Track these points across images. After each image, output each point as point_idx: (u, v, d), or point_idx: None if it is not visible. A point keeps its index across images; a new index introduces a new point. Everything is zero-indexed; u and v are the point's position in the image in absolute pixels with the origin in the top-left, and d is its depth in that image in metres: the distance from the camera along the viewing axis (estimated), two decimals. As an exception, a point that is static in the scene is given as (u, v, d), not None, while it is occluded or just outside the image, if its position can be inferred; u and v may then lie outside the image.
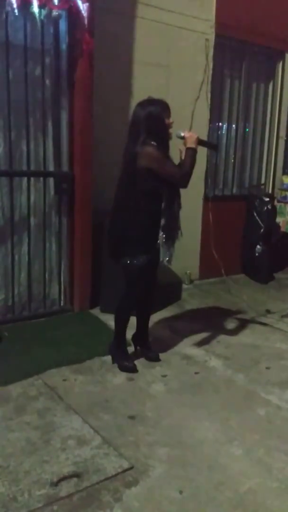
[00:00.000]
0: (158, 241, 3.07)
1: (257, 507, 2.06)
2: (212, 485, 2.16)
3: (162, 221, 3.03)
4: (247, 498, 2.10)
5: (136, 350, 3.44)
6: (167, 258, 3.12)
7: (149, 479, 2.18)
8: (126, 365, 3.19)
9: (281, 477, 2.24)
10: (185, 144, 3.02)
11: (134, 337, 3.49)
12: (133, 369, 3.18)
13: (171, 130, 2.99)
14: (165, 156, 2.92)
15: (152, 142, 2.88)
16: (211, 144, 3.08)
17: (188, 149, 3.00)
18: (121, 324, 3.22)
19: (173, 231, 3.09)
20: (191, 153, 3.00)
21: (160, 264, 3.23)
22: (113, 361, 3.25)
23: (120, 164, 3.02)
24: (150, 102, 2.95)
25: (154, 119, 2.91)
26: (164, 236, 3.06)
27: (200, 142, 3.08)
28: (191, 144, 2.99)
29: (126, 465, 2.25)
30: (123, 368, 3.18)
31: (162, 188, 2.97)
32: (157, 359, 3.34)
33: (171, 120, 2.99)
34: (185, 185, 2.99)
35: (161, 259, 3.12)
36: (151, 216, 3.00)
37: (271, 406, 2.84)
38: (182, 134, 3.02)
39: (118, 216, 3.06)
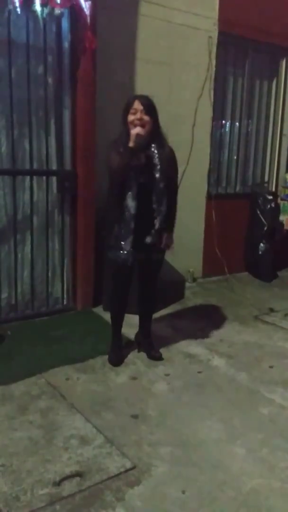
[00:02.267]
0: (147, 241, 3.05)
1: (260, 506, 2.05)
2: (215, 485, 2.16)
3: (119, 216, 3.02)
4: (250, 497, 2.10)
5: (140, 348, 3.43)
6: (123, 254, 3.05)
7: (151, 479, 2.18)
8: (109, 358, 3.27)
9: (284, 476, 2.24)
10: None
11: (137, 336, 3.49)
12: (113, 363, 3.23)
13: (132, 130, 2.90)
14: (115, 150, 2.91)
15: (119, 137, 2.94)
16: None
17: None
18: (111, 319, 3.35)
19: (124, 228, 3.00)
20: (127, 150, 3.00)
21: (162, 264, 3.24)
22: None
23: None
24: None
25: (121, 118, 2.96)
26: (121, 231, 3.03)
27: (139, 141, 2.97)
28: (131, 143, 2.91)
29: (128, 464, 2.25)
30: (108, 359, 3.26)
31: (115, 183, 2.97)
32: (160, 358, 3.34)
33: (137, 116, 2.90)
34: (114, 180, 2.98)
35: (120, 255, 3.07)
36: (112, 211, 3.02)
37: (274, 405, 2.84)
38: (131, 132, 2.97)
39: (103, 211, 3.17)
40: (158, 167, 2.97)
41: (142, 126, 2.89)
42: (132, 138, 2.88)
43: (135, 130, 2.88)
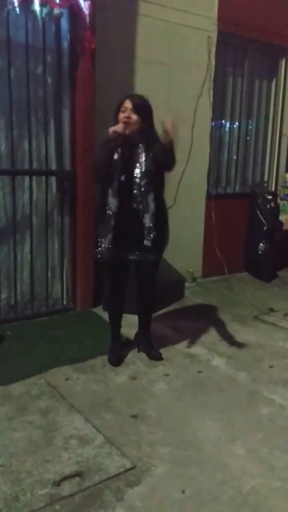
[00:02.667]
0: (146, 243, 3.02)
1: (260, 506, 2.05)
2: (214, 485, 2.16)
3: (100, 214, 3.05)
4: (249, 497, 2.10)
5: (140, 348, 3.43)
6: (101, 253, 3.07)
7: (151, 479, 2.18)
8: (109, 357, 3.27)
9: (284, 476, 2.23)
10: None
11: (137, 336, 3.49)
12: (112, 363, 3.23)
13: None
14: (104, 145, 2.91)
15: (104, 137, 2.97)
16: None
17: None
18: (109, 318, 3.38)
19: (104, 226, 3.01)
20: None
21: (161, 264, 3.23)
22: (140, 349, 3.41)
23: None
24: None
25: (113, 114, 2.99)
26: (99, 229, 3.06)
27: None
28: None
29: (128, 464, 2.25)
30: (107, 359, 3.26)
31: (100, 181, 3.02)
32: (159, 358, 3.34)
33: (126, 114, 2.91)
34: (95, 175, 3.08)
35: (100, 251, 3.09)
36: (99, 207, 3.06)
37: (274, 405, 2.83)
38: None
39: None
40: (138, 164, 2.94)
41: (127, 124, 2.90)
42: (110, 133, 2.89)
43: (112, 128, 2.90)
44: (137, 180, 2.95)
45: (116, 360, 3.25)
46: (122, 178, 2.95)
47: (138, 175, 2.95)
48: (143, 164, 2.95)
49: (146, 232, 2.98)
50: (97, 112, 3.90)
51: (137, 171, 2.95)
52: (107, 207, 2.97)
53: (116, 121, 2.96)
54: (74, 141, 3.92)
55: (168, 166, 3.02)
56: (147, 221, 2.98)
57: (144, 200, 2.96)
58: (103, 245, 3.01)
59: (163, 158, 2.94)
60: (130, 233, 3.01)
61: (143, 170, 2.95)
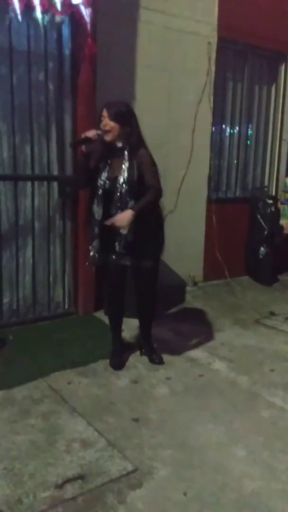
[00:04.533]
0: (118, 248, 3.02)
1: (261, 508, 2.06)
2: (216, 487, 2.17)
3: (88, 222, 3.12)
4: (251, 499, 2.11)
5: (142, 352, 3.45)
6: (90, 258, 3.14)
7: (153, 481, 2.19)
8: (110, 361, 3.29)
9: (285, 478, 2.25)
10: None
11: (138, 339, 3.50)
12: (114, 366, 3.24)
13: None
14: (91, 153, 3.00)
15: None
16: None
17: None
18: (109, 322, 3.41)
19: (89, 233, 3.10)
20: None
21: (162, 267, 3.25)
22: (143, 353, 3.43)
23: None
24: None
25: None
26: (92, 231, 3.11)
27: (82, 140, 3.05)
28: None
29: (130, 467, 2.26)
30: (109, 363, 3.29)
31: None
32: (161, 363, 3.35)
33: (103, 123, 2.98)
34: (77, 172, 3.14)
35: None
36: (88, 214, 3.12)
37: (275, 408, 2.85)
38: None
39: None
40: (122, 170, 2.97)
41: (106, 131, 2.96)
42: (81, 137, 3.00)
43: (84, 133, 2.99)
44: (119, 186, 2.97)
45: (118, 364, 3.26)
46: (107, 186, 2.99)
47: (120, 181, 2.97)
48: (126, 170, 2.97)
49: (118, 238, 2.97)
50: (98, 118, 3.93)
51: (120, 177, 2.97)
52: (92, 215, 3.04)
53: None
54: (76, 146, 3.94)
55: (156, 201, 3.04)
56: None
57: (124, 206, 2.94)
58: (91, 252, 3.09)
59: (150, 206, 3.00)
60: (114, 239, 3.02)
61: (125, 176, 2.96)
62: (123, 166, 2.97)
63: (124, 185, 2.95)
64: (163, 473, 2.24)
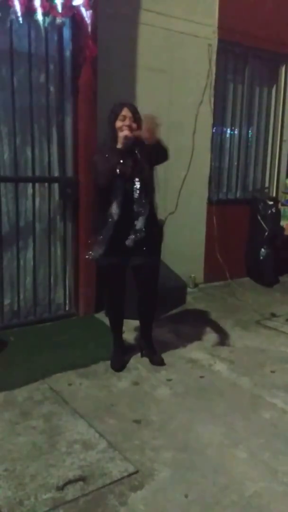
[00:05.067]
0: (128, 243, 3.04)
1: (262, 510, 2.06)
2: (217, 489, 2.17)
3: (100, 223, 3.06)
4: (252, 501, 2.10)
5: (142, 354, 3.45)
6: (94, 258, 3.11)
7: (154, 483, 2.19)
8: (111, 363, 3.28)
9: (287, 480, 2.24)
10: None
11: (139, 341, 3.50)
12: (115, 368, 3.24)
13: (120, 133, 2.96)
14: (103, 156, 2.96)
15: (102, 146, 3.02)
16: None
17: None
18: (110, 325, 3.39)
19: (103, 234, 3.04)
20: None
21: (163, 269, 3.25)
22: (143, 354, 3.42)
23: None
24: (113, 105, 3.05)
25: (107, 124, 3.03)
26: (99, 237, 3.07)
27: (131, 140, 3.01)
28: (119, 144, 3.00)
29: (131, 469, 2.26)
30: (110, 365, 3.28)
31: (101, 190, 3.02)
32: (162, 363, 3.35)
33: (126, 122, 2.96)
34: (99, 183, 3.02)
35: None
36: (95, 217, 3.11)
37: (276, 410, 2.84)
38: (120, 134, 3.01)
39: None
40: (138, 170, 2.99)
41: (130, 130, 2.96)
42: (120, 140, 2.95)
43: (124, 133, 2.95)
44: (137, 186, 2.99)
45: (119, 366, 3.26)
46: (126, 187, 2.99)
47: (138, 181, 2.99)
48: (142, 169, 3.00)
49: (132, 232, 3.00)
50: (98, 120, 3.94)
51: (137, 177, 2.99)
52: (109, 216, 2.99)
53: (113, 129, 2.99)
54: (76, 148, 3.96)
55: (163, 159, 3.05)
56: (139, 223, 3.01)
57: (143, 205, 3.01)
58: (98, 251, 3.05)
59: (157, 155, 2.99)
60: (126, 238, 3.03)
61: (142, 175, 2.99)
62: (140, 165, 2.99)
63: (142, 185, 2.99)
64: (164, 475, 2.24)
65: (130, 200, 2.99)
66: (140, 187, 2.99)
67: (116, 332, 3.39)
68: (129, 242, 3.00)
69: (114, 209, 2.99)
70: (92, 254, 3.09)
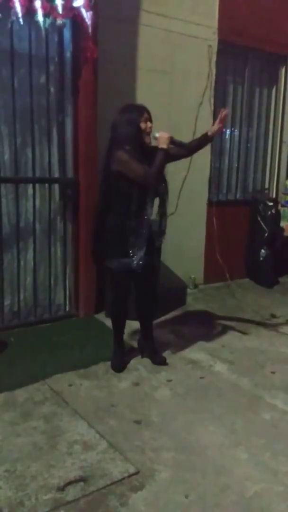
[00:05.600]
0: (157, 244, 3.14)
1: (263, 511, 2.06)
2: (217, 489, 2.17)
3: (132, 224, 3.03)
4: (253, 502, 2.11)
5: (143, 354, 3.45)
6: (135, 262, 3.05)
7: (155, 484, 2.19)
8: (113, 364, 3.28)
9: (287, 481, 2.25)
10: (158, 144, 3.04)
11: (139, 342, 3.50)
12: (117, 369, 3.24)
13: (162, 134, 3.01)
14: (134, 158, 2.94)
15: (126, 147, 2.94)
16: (181, 143, 3.14)
17: (159, 149, 3.02)
18: (114, 326, 3.37)
19: (141, 234, 3.05)
20: (160, 154, 3.00)
21: (163, 270, 3.26)
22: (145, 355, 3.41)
23: None
24: (127, 108, 3.05)
25: (129, 124, 2.98)
26: (132, 237, 3.04)
27: (172, 142, 3.06)
28: (162, 144, 3.01)
29: (132, 469, 2.26)
30: (111, 365, 3.28)
31: (133, 191, 2.99)
32: (164, 363, 3.36)
33: (148, 124, 3.01)
34: (150, 186, 3.02)
35: (133, 262, 3.05)
36: (122, 219, 3.04)
37: (277, 411, 2.85)
38: (156, 135, 3.04)
39: (97, 219, 3.17)
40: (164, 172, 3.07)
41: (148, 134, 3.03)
42: (164, 140, 2.98)
43: (162, 133, 3.00)
44: (162, 185, 3.10)
45: (120, 366, 3.27)
46: (158, 187, 3.08)
47: (162, 180, 3.10)
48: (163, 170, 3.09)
49: (156, 234, 3.12)
50: (99, 121, 3.95)
51: (163, 180, 3.11)
52: (143, 218, 3.02)
53: (138, 130, 2.99)
54: (77, 149, 3.96)
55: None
56: (164, 224, 3.15)
57: (166, 205, 3.15)
58: (138, 256, 3.03)
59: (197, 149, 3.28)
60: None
61: (164, 176, 3.11)
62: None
63: (166, 185, 3.12)
64: (165, 475, 2.25)
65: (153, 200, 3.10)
66: (165, 187, 3.10)
67: (120, 333, 3.37)
68: (158, 242, 3.10)
69: (149, 209, 3.03)
70: (135, 260, 3.02)
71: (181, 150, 3.15)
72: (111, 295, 3.30)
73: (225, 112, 3.18)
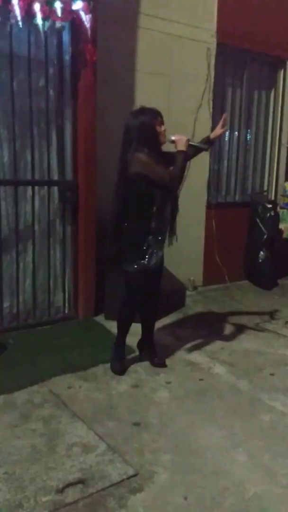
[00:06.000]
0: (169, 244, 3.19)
1: (262, 513, 2.07)
2: (216, 491, 2.17)
3: (153, 225, 3.05)
4: (251, 504, 2.11)
5: (141, 356, 3.45)
6: (154, 262, 3.09)
7: (154, 486, 2.19)
8: (114, 367, 3.27)
9: (286, 483, 2.25)
10: (175, 147, 3.06)
11: (139, 343, 3.50)
12: (118, 372, 3.23)
13: (183, 137, 3.05)
14: (155, 161, 2.95)
15: (145, 149, 2.95)
16: (201, 146, 3.15)
17: (178, 152, 3.04)
18: (121, 328, 3.32)
19: (162, 235, 3.12)
20: (181, 156, 3.03)
21: (164, 271, 3.26)
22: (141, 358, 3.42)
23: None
24: (141, 111, 3.04)
25: (145, 127, 2.98)
26: (152, 239, 3.06)
27: (190, 144, 3.09)
28: (181, 147, 3.03)
29: (131, 471, 2.26)
30: (112, 368, 3.26)
31: (154, 193, 3.01)
32: (163, 365, 3.36)
33: (163, 128, 3.04)
34: (174, 188, 3.07)
35: (151, 262, 3.08)
36: (142, 221, 3.05)
37: (276, 413, 2.85)
38: (172, 138, 3.05)
39: (114, 222, 3.12)
40: None
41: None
42: (183, 143, 3.01)
43: (180, 136, 3.03)
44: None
45: (122, 369, 3.26)
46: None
47: None
48: None
49: (170, 233, 3.22)
50: (98, 123, 3.96)
51: None
52: (164, 218, 3.10)
53: (155, 133, 3.01)
54: (76, 151, 3.97)
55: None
56: (175, 225, 3.24)
57: (177, 206, 3.24)
58: (158, 256, 3.11)
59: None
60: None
61: None
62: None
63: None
64: (164, 477, 2.25)
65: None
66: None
67: (124, 336, 3.34)
68: (169, 243, 3.19)
69: (168, 209, 3.11)
70: (153, 260, 3.08)
71: (191, 150, 3.15)
72: (124, 298, 3.22)
73: (225, 116, 3.31)
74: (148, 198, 3.01)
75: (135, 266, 3.07)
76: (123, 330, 3.33)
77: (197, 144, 3.16)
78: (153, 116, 3.01)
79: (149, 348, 3.43)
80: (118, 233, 3.09)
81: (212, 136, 3.30)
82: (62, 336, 3.81)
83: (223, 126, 3.25)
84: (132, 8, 4.35)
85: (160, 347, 3.56)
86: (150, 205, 3.03)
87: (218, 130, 3.28)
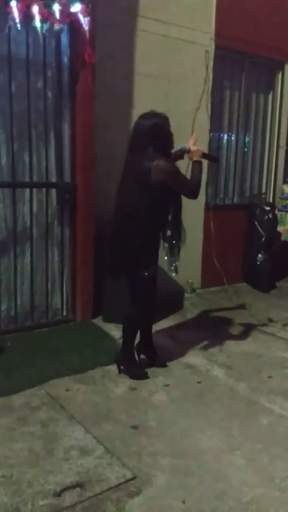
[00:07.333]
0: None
1: (260, 516, 2.06)
2: (215, 495, 2.16)
3: (168, 232, 3.13)
4: (250, 507, 2.10)
5: (140, 358, 3.44)
6: (173, 267, 3.18)
7: (151, 489, 2.18)
8: (138, 373, 3.24)
9: (284, 486, 2.24)
10: (190, 157, 3.12)
11: (138, 346, 3.49)
12: (145, 376, 3.23)
13: (197, 147, 3.14)
14: (178, 169, 3.00)
15: (162, 156, 2.93)
16: (212, 157, 3.20)
17: (195, 162, 3.09)
18: (132, 334, 3.28)
19: (178, 241, 3.18)
20: (197, 166, 3.09)
21: (160, 274, 3.26)
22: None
23: (123, 175, 3.05)
24: (154, 114, 3.02)
25: (161, 131, 2.97)
26: (169, 246, 3.14)
27: (203, 155, 3.17)
28: (198, 157, 3.10)
29: (129, 475, 2.26)
30: (134, 376, 3.21)
31: (170, 200, 3.06)
32: (165, 365, 3.38)
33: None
34: (196, 196, 3.11)
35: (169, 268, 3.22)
36: (157, 228, 3.09)
37: (274, 415, 2.85)
38: (187, 147, 3.08)
39: (127, 228, 3.00)
40: None
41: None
42: (199, 153, 3.12)
43: (196, 147, 3.14)
44: None
45: (146, 373, 3.26)
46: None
47: None
48: None
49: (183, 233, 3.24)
50: (96, 125, 3.96)
51: None
52: (157, 226, 3.10)
53: (169, 134, 3.05)
54: (74, 153, 3.97)
55: None
56: (177, 235, 3.22)
57: (178, 215, 3.21)
58: (177, 258, 3.21)
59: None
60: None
61: None
62: None
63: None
64: (162, 481, 2.24)
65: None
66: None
67: (134, 342, 3.32)
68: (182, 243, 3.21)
69: (180, 215, 3.15)
70: (174, 265, 3.20)
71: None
72: (141, 302, 3.16)
73: (196, 134, 3.33)
74: (165, 206, 3.06)
75: (150, 271, 3.08)
76: (134, 335, 3.30)
77: (211, 155, 3.21)
78: (165, 119, 3.02)
79: (149, 349, 3.43)
80: (126, 240, 3.01)
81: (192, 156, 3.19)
82: (60, 338, 3.81)
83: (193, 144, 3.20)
84: (131, 11, 4.35)
85: (158, 349, 3.55)
86: (165, 212, 3.09)
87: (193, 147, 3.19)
